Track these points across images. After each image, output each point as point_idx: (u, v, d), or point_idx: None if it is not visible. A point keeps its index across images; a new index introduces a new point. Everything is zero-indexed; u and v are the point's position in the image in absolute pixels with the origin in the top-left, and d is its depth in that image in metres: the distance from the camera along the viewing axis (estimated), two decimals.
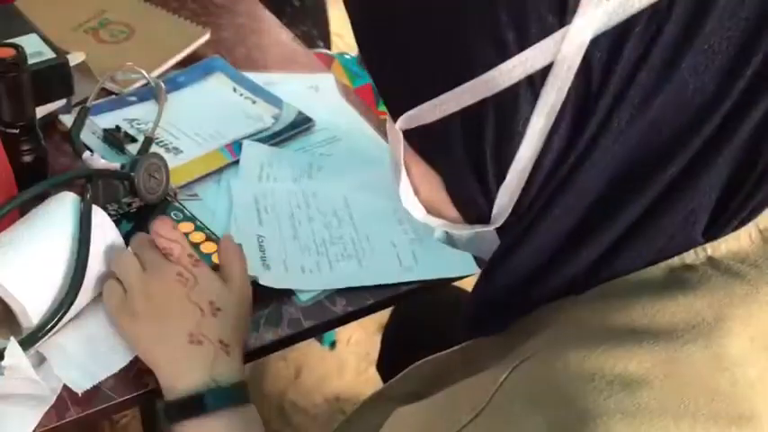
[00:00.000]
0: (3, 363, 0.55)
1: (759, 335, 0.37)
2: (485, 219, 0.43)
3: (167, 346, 0.58)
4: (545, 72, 0.36)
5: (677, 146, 0.37)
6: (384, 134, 0.91)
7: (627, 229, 0.39)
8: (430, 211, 0.47)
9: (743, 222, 0.39)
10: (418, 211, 0.48)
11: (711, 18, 0.35)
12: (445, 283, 0.76)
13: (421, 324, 0.97)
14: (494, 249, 0.44)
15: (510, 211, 0.42)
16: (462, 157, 0.41)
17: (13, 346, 0.55)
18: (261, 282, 0.69)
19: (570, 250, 0.40)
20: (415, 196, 0.47)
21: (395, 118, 0.43)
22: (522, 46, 0.36)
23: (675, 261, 0.39)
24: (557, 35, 0.35)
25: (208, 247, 0.72)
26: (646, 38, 0.35)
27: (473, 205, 0.43)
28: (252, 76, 0.96)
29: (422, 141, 0.43)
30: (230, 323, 0.60)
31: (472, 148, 0.40)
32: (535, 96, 0.37)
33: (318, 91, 0.98)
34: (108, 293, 0.62)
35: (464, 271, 0.74)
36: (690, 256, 0.39)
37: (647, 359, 0.36)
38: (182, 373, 0.57)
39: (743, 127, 0.36)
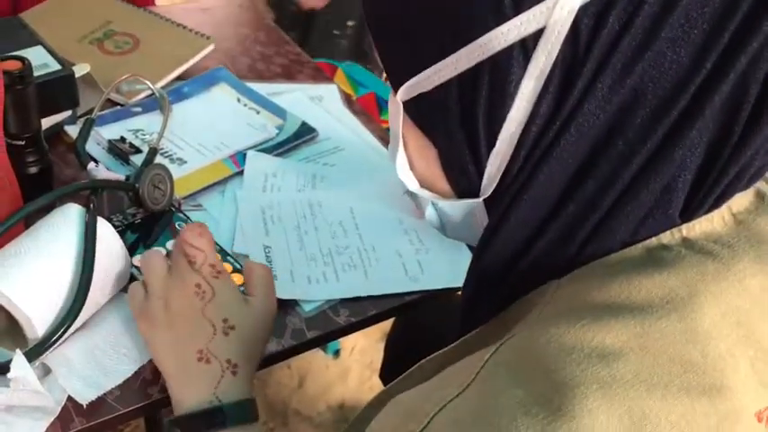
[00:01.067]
0: (9, 375, 0.55)
1: (729, 310, 0.39)
2: (475, 192, 0.46)
3: (177, 361, 0.59)
4: (537, 36, 0.39)
5: (654, 118, 0.39)
6: (387, 144, 0.92)
7: (608, 203, 0.41)
8: (423, 184, 0.50)
9: (716, 204, 0.41)
10: (412, 184, 0.50)
11: None
12: (449, 294, 0.76)
13: (424, 332, 0.97)
14: (481, 233, 0.47)
15: (498, 179, 0.44)
16: (457, 125, 0.43)
17: (18, 359, 0.56)
18: None
19: (554, 221, 0.42)
20: (411, 170, 0.50)
21: (396, 89, 0.46)
22: (518, 10, 0.39)
23: (653, 242, 0.41)
24: (550, 1, 0.38)
25: None
26: (629, 7, 0.37)
27: (464, 176, 0.46)
28: (256, 86, 0.97)
29: (420, 111, 0.46)
30: (242, 342, 0.59)
31: (466, 114, 0.43)
32: (527, 60, 0.40)
33: (322, 101, 0.99)
34: (132, 293, 0.62)
35: None
36: (666, 237, 0.41)
37: (623, 333, 0.37)
38: (188, 389, 0.58)
39: (713, 100, 0.38)
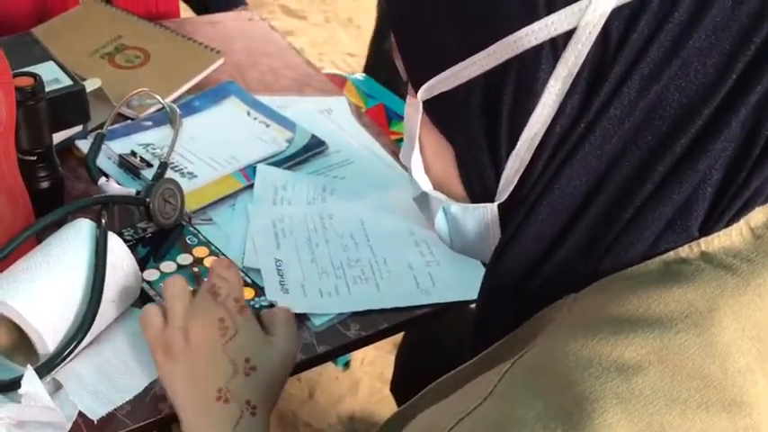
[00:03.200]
0: (20, 391, 0.55)
1: (749, 325, 0.38)
2: (490, 197, 0.46)
3: (194, 398, 0.57)
4: (567, 37, 0.39)
5: (679, 126, 0.39)
6: (396, 156, 0.92)
7: (630, 211, 0.41)
8: (437, 187, 0.50)
9: (735, 218, 0.41)
10: (426, 185, 0.50)
11: (719, 1, 0.37)
12: (459, 306, 0.76)
13: (434, 344, 0.97)
14: (492, 243, 0.47)
15: (515, 183, 0.44)
16: (478, 125, 0.43)
17: (30, 375, 0.56)
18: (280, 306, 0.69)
19: (574, 230, 0.42)
20: (425, 173, 0.50)
21: (416, 88, 0.46)
22: (551, 9, 0.39)
23: (671, 255, 0.41)
24: (583, 2, 0.38)
25: None
26: (660, 14, 0.38)
27: (481, 179, 0.45)
28: (265, 99, 0.97)
29: (440, 110, 0.46)
30: (262, 383, 0.58)
31: (489, 114, 0.42)
32: (555, 59, 0.40)
33: (331, 114, 0.99)
34: (147, 320, 0.60)
35: None
36: (684, 251, 0.41)
37: (642, 346, 0.37)
38: (204, 428, 0.57)
39: (739, 112, 0.38)
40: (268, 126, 0.92)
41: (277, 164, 0.87)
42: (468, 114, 0.44)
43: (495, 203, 0.46)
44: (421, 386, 0.65)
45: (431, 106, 0.46)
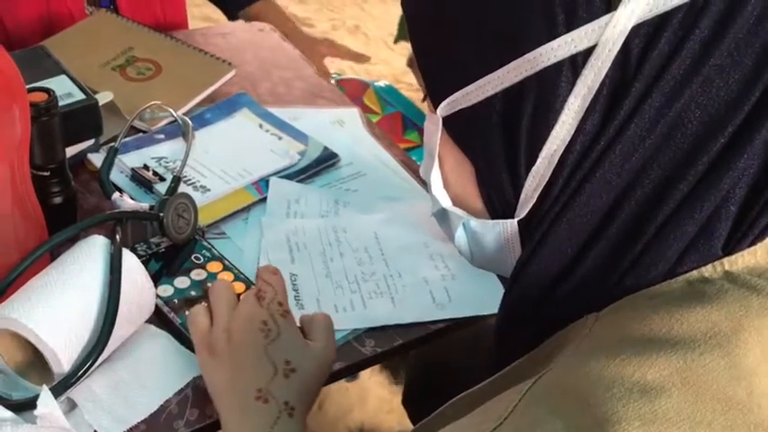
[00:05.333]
0: (35, 412, 0.54)
1: None
2: (509, 213, 0.45)
3: (234, 397, 0.58)
4: (587, 54, 0.39)
5: (701, 144, 0.39)
6: (409, 167, 0.91)
7: (651, 229, 0.40)
8: (456, 203, 0.50)
9: (759, 237, 0.40)
10: (446, 201, 0.50)
11: (742, 18, 0.37)
12: (475, 321, 0.75)
13: (446, 356, 0.96)
14: (512, 259, 0.46)
15: (534, 200, 0.43)
16: (497, 141, 0.43)
17: (45, 395, 0.55)
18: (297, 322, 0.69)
19: (594, 248, 0.42)
20: (444, 189, 0.50)
21: (436, 105, 0.46)
22: (570, 27, 0.39)
23: (694, 275, 0.40)
24: (602, 19, 0.38)
25: (236, 288, 0.71)
26: (680, 32, 0.37)
27: (500, 196, 0.45)
28: (277, 111, 0.97)
29: (460, 126, 0.46)
30: (301, 386, 0.59)
31: (508, 130, 0.42)
32: (575, 77, 0.39)
33: (343, 125, 0.98)
34: (194, 320, 0.62)
35: (497, 308, 0.73)
36: (708, 270, 0.40)
37: (665, 368, 0.36)
38: (242, 427, 0.57)
39: (763, 128, 0.38)
40: (280, 138, 0.92)
41: (290, 177, 0.87)
42: (487, 131, 0.43)
43: (515, 219, 0.45)
44: (433, 400, 0.64)
45: (450, 122, 0.46)
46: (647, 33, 0.38)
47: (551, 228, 0.42)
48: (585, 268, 0.42)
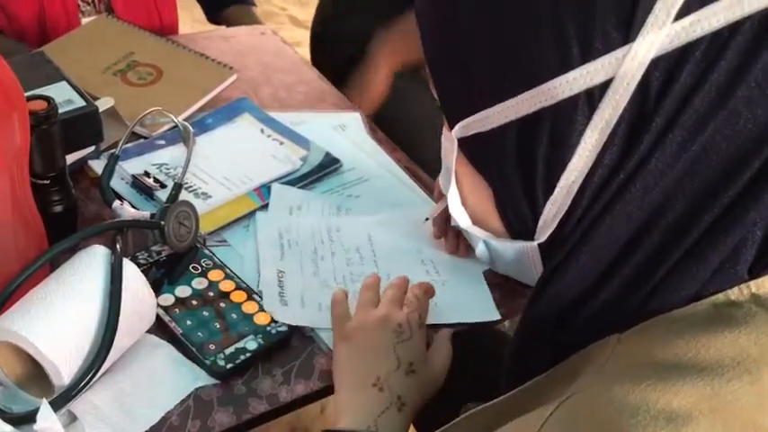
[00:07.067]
0: (35, 426, 0.54)
1: None
2: (529, 234, 0.45)
3: (354, 377, 0.62)
4: (604, 87, 0.38)
5: (727, 178, 0.37)
6: (413, 172, 0.91)
7: (673, 259, 0.39)
8: (475, 222, 0.49)
9: None
10: (464, 221, 0.50)
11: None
12: (480, 330, 0.74)
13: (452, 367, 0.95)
14: (534, 273, 0.46)
15: (554, 227, 0.42)
16: (514, 168, 0.42)
17: (45, 409, 0.55)
18: (277, 318, 0.69)
19: (615, 275, 0.41)
20: (462, 206, 0.49)
21: (452, 125, 0.45)
22: (586, 59, 0.37)
23: (720, 297, 0.39)
24: (619, 52, 0.37)
25: (237, 296, 0.71)
26: (703, 64, 0.36)
27: (519, 219, 0.45)
28: (278, 115, 0.96)
29: (475, 149, 0.45)
30: (417, 386, 0.62)
31: (524, 159, 0.41)
32: (592, 110, 0.38)
33: (345, 129, 0.98)
34: (338, 298, 0.68)
35: (486, 317, 0.73)
36: (734, 293, 0.39)
37: (692, 394, 0.36)
38: (352, 408, 0.60)
39: None
40: (282, 144, 0.91)
41: (291, 183, 0.86)
42: (502, 158, 0.43)
43: (536, 242, 0.45)
44: (430, 403, 0.64)
45: (466, 144, 0.45)
46: (668, 66, 0.36)
47: (572, 253, 0.42)
48: (608, 293, 0.41)
